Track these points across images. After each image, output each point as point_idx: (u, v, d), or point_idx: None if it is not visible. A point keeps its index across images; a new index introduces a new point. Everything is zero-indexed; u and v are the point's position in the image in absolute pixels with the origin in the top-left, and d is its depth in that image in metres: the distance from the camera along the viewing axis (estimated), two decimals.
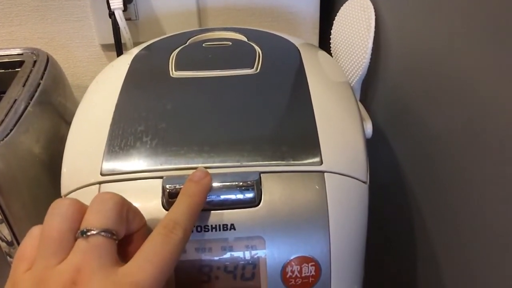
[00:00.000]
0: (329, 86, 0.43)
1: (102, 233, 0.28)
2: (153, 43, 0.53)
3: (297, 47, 0.49)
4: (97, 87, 0.45)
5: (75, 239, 0.28)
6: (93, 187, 0.35)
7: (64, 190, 0.37)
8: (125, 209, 0.30)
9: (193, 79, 0.43)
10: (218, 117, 0.39)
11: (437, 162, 0.44)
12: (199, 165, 0.35)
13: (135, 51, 0.50)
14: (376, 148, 0.57)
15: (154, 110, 0.40)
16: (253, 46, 0.48)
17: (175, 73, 0.44)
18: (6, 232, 0.43)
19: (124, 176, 0.35)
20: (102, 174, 0.35)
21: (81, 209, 0.29)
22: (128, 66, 0.46)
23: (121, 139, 0.37)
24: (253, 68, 0.44)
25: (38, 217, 0.46)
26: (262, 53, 0.47)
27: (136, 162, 0.36)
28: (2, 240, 0.44)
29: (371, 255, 0.40)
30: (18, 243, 0.44)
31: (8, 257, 0.44)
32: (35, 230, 0.30)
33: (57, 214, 0.29)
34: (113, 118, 0.39)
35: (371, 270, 0.42)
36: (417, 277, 0.50)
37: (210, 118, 0.39)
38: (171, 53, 0.47)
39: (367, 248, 0.37)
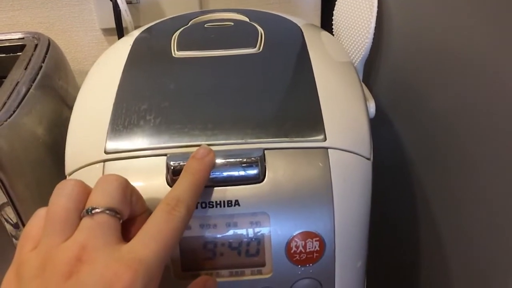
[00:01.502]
0: (332, 65, 0.43)
1: (107, 211, 0.28)
2: (155, 24, 0.52)
3: (299, 27, 0.48)
4: (99, 67, 0.45)
5: (80, 219, 0.28)
6: (97, 165, 0.35)
7: (68, 169, 0.37)
8: (129, 191, 0.30)
9: (195, 59, 0.43)
10: (221, 95, 0.39)
11: (439, 142, 0.44)
12: (203, 142, 0.35)
13: (136, 33, 0.50)
14: (378, 128, 0.57)
15: (157, 89, 0.40)
16: (255, 26, 0.48)
17: (177, 53, 0.44)
18: (11, 214, 0.43)
19: (128, 154, 0.35)
20: (106, 153, 0.35)
21: (86, 190, 0.29)
22: (130, 47, 0.46)
23: (124, 117, 0.37)
24: (255, 47, 0.44)
25: (42, 199, 0.46)
26: (264, 33, 0.46)
27: (140, 140, 0.36)
28: (8, 222, 0.44)
29: (373, 235, 0.41)
30: (24, 225, 0.44)
31: (14, 239, 0.44)
32: (41, 211, 0.30)
33: (63, 194, 0.29)
34: (116, 97, 0.39)
35: (373, 249, 0.42)
36: (420, 257, 0.51)
37: (213, 97, 0.39)
38: (173, 34, 0.47)
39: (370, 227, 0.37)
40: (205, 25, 0.49)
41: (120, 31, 0.62)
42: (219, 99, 0.38)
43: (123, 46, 0.46)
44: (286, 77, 0.41)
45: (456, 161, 0.41)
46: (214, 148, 0.34)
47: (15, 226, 0.44)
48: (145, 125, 0.36)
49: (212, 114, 0.37)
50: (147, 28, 0.51)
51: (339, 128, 0.36)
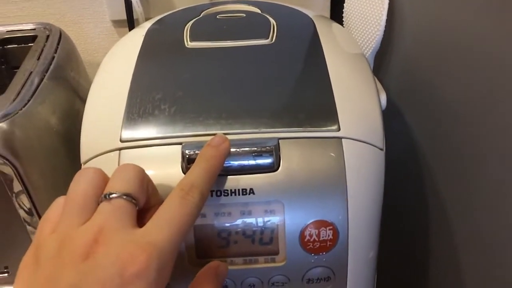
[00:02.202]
0: (344, 56, 0.43)
1: (124, 197, 0.28)
2: (166, 16, 0.53)
3: (311, 19, 0.48)
4: (112, 58, 0.46)
5: (98, 204, 0.29)
6: (112, 153, 0.36)
7: (84, 157, 0.37)
8: (146, 181, 0.30)
9: (208, 49, 0.43)
10: (235, 85, 0.39)
11: (450, 134, 0.44)
12: (218, 131, 0.35)
13: (147, 24, 0.50)
14: (389, 120, 0.57)
15: (171, 80, 0.40)
16: (267, 18, 0.48)
17: (190, 44, 0.44)
18: (26, 201, 0.44)
19: (143, 143, 0.36)
20: (121, 141, 0.36)
21: (104, 178, 0.30)
22: (142, 38, 0.46)
23: (139, 106, 0.37)
24: (268, 38, 0.44)
25: (56, 187, 0.47)
26: (276, 24, 0.46)
27: (155, 129, 0.36)
28: (22, 209, 0.45)
29: (384, 228, 0.41)
30: (37, 212, 0.44)
31: (27, 225, 0.45)
32: (61, 199, 0.31)
33: (82, 180, 0.30)
34: (131, 87, 0.39)
35: (383, 241, 0.42)
36: (430, 250, 0.51)
37: (227, 87, 0.39)
38: (185, 25, 0.47)
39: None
40: (217, 16, 0.49)
41: (131, 23, 0.62)
42: (233, 89, 0.39)
43: (136, 37, 0.47)
44: (299, 67, 0.41)
45: (467, 153, 0.41)
46: (229, 137, 0.34)
47: (29, 212, 0.45)
48: (160, 114, 0.37)
49: (227, 104, 0.37)
50: (158, 20, 0.51)
51: (353, 118, 0.37)
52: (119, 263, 0.25)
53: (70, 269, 0.26)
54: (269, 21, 0.47)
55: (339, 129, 0.35)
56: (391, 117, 0.57)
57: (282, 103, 0.37)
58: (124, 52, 0.46)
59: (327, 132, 0.35)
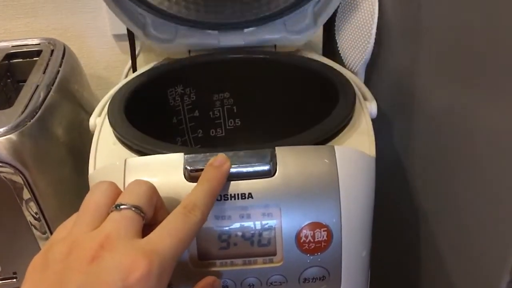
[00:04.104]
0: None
1: (133, 208, 0.31)
2: None
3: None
4: None
5: (108, 214, 0.31)
6: (117, 161, 0.38)
7: (91, 167, 0.39)
8: (155, 196, 0.33)
9: None
10: None
11: (437, 142, 0.46)
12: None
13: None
14: (380, 127, 0.59)
15: None
16: None
17: None
18: (34, 208, 0.46)
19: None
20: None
21: (117, 191, 0.32)
22: None
23: None
24: None
25: (63, 194, 0.49)
26: None
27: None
28: (31, 215, 0.46)
29: (376, 232, 0.43)
30: (45, 218, 0.46)
31: (35, 230, 0.47)
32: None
33: (96, 192, 0.32)
34: None
35: (376, 245, 0.44)
36: (420, 255, 0.53)
37: None
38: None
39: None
40: None
41: (131, 37, 0.64)
42: None
43: None
44: None
45: (455, 162, 0.43)
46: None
47: (37, 219, 0.47)
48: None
49: None
50: None
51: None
52: (122, 268, 0.27)
53: (76, 272, 0.27)
54: None
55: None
56: (382, 125, 0.59)
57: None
58: None
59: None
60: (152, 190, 0.32)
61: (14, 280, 0.51)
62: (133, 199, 0.31)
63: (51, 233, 0.48)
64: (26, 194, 0.45)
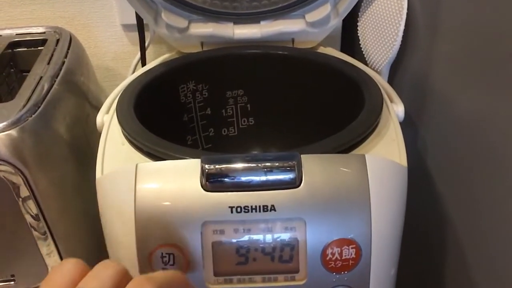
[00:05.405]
0: None
1: None
2: None
3: None
4: None
5: None
6: (128, 166, 0.34)
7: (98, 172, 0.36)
8: (126, 280, 0.29)
9: None
10: None
11: (465, 148, 0.43)
12: None
13: None
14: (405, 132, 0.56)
15: None
16: None
17: None
18: (33, 208, 0.43)
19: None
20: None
21: (82, 272, 0.29)
22: None
23: None
24: None
25: (64, 194, 0.46)
26: None
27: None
28: (28, 214, 0.43)
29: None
30: (44, 218, 0.43)
31: (34, 231, 0.44)
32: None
33: (59, 271, 0.29)
34: None
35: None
36: (445, 264, 0.50)
37: None
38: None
39: None
40: None
41: (141, 27, 0.61)
42: None
43: None
44: None
45: (486, 168, 0.40)
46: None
47: (36, 218, 0.44)
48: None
49: None
50: None
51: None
52: None
53: None
54: None
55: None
56: (403, 128, 0.56)
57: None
58: None
59: None
60: (121, 274, 0.28)
61: (12, 283, 0.48)
62: (94, 285, 0.28)
63: (52, 235, 0.45)
64: (25, 194, 0.42)
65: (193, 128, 0.54)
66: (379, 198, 0.33)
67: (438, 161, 0.50)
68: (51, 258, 0.45)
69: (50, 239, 0.44)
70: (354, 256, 0.33)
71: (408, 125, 0.55)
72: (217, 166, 0.32)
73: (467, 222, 0.44)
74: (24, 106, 0.43)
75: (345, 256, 0.33)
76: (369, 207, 0.33)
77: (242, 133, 0.57)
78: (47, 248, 0.45)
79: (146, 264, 0.33)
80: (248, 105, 0.56)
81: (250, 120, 0.57)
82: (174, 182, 0.33)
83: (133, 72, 0.60)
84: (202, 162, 0.33)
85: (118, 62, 0.70)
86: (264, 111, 0.55)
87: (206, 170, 0.32)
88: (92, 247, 0.49)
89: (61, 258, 0.46)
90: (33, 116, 0.43)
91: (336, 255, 0.33)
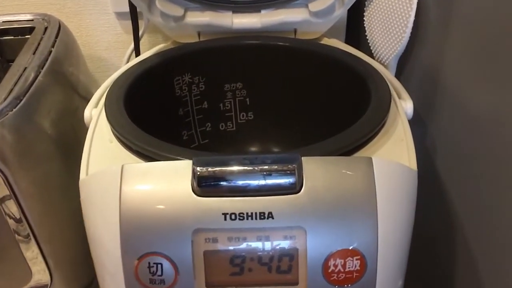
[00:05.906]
0: None
1: None
2: None
3: None
4: None
5: None
6: (114, 168, 0.32)
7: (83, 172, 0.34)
8: None
9: None
10: None
11: (478, 148, 0.40)
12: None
13: None
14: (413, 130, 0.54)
15: None
16: None
17: None
18: (14, 209, 0.41)
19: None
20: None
21: None
22: None
23: None
24: None
25: (49, 194, 0.43)
26: None
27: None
28: (10, 217, 0.41)
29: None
30: (27, 220, 0.41)
31: (16, 235, 0.41)
32: None
33: None
34: None
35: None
36: (454, 267, 0.48)
37: None
38: None
39: None
40: None
41: (134, 16, 0.58)
42: None
43: None
44: None
45: (497, 171, 0.38)
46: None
47: (18, 220, 0.41)
48: None
49: None
50: None
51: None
52: None
53: None
54: None
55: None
56: (411, 126, 0.53)
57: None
58: None
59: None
60: None
61: None
62: None
63: (35, 238, 0.42)
64: (5, 193, 0.39)
65: (189, 123, 0.52)
66: (387, 205, 0.31)
67: (447, 162, 0.47)
68: (35, 262, 0.43)
69: (33, 242, 0.42)
70: (358, 268, 0.31)
71: (416, 123, 0.52)
72: (209, 169, 0.30)
73: (479, 229, 0.42)
74: (5, 99, 0.40)
75: (348, 268, 0.31)
76: (375, 215, 0.30)
77: (241, 128, 0.54)
78: (30, 252, 0.42)
79: (132, 274, 0.31)
80: (247, 99, 0.53)
81: (249, 115, 0.54)
82: (163, 185, 0.30)
83: (127, 62, 0.58)
84: (193, 164, 0.30)
85: (111, 51, 0.67)
86: (263, 105, 0.53)
87: (198, 173, 0.30)
88: (79, 251, 0.46)
89: (46, 263, 0.43)
90: (14, 110, 0.40)
91: (339, 266, 0.30)
